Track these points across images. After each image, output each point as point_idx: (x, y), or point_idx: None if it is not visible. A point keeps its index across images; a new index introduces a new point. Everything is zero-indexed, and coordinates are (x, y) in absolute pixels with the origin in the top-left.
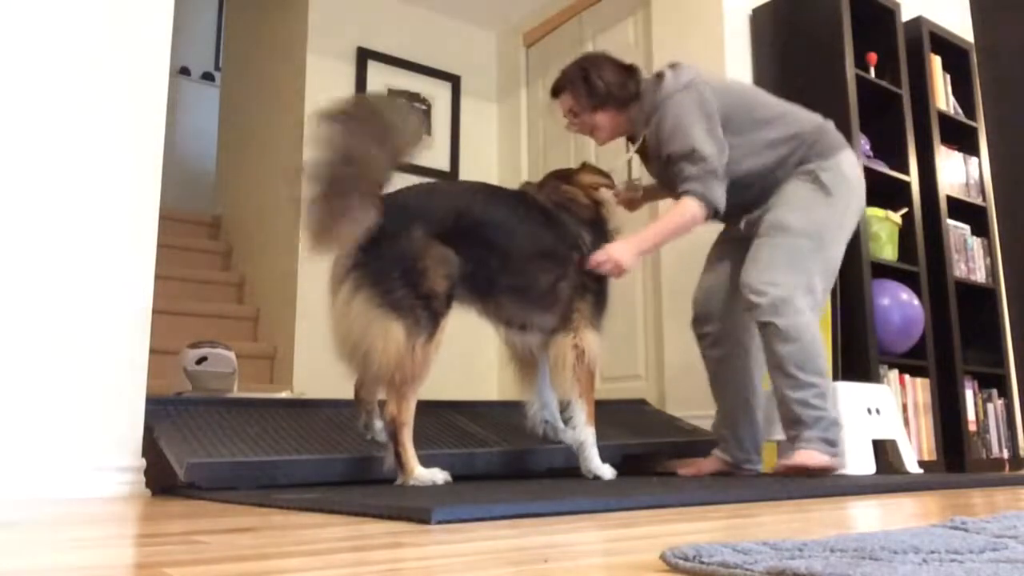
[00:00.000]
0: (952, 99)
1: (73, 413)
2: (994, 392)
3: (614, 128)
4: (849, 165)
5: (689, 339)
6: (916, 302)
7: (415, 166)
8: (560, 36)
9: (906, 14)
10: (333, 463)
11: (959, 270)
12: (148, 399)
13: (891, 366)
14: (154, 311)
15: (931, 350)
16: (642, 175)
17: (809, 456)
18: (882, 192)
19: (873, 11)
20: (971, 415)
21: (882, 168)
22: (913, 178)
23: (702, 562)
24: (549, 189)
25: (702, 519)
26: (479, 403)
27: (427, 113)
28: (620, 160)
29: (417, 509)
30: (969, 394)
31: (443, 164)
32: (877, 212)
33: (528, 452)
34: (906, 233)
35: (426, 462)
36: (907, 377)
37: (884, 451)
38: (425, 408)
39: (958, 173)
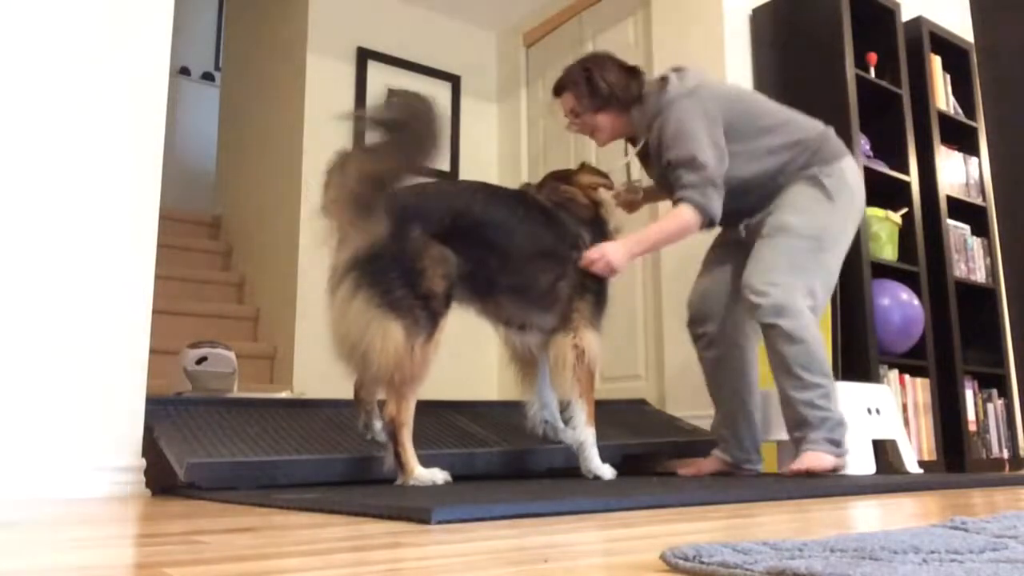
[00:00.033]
0: (952, 99)
1: (73, 413)
2: (994, 392)
3: (615, 130)
4: (851, 172)
5: (689, 339)
6: (916, 302)
7: None
8: (560, 36)
9: (906, 14)
10: (333, 463)
11: (959, 270)
12: (148, 399)
13: (891, 366)
14: (154, 311)
15: (931, 350)
16: (642, 177)
17: (816, 458)
18: (882, 192)
19: (873, 11)
20: (971, 415)
21: (882, 168)
22: (913, 178)
23: (702, 562)
24: (548, 190)
25: (702, 519)
26: (479, 403)
27: None
28: (619, 162)
29: (417, 509)
30: (969, 394)
31: (443, 164)
32: (877, 212)
33: (528, 452)
34: (906, 233)
35: (426, 462)
36: (907, 377)
37: (884, 451)
38: (425, 408)
39: (958, 173)
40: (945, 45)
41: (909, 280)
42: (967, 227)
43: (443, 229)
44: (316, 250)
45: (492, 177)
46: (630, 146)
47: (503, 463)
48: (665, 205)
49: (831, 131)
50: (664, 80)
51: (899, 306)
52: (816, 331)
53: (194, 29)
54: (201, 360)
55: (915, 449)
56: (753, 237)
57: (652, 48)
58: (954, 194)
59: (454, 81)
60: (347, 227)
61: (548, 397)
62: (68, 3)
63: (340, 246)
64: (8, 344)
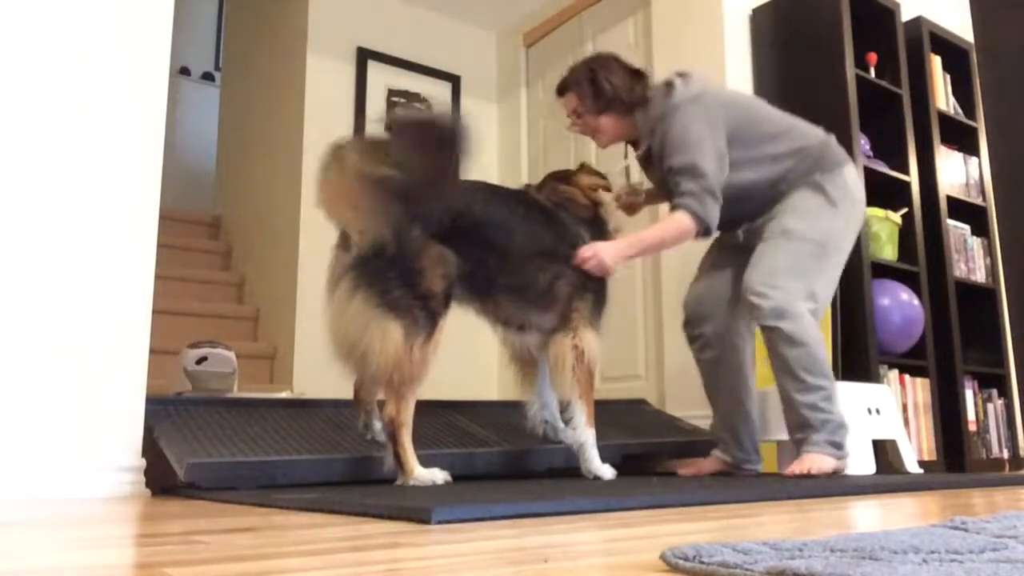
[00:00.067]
0: (952, 99)
1: (73, 413)
2: (994, 392)
3: (617, 132)
4: (852, 179)
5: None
6: (916, 302)
7: None
8: (560, 36)
9: (906, 14)
10: (333, 463)
11: (959, 270)
12: (148, 399)
13: (891, 366)
14: (154, 311)
15: (931, 350)
16: (642, 180)
17: (817, 460)
18: (882, 192)
19: (873, 11)
20: (971, 415)
21: (882, 168)
22: (913, 178)
23: (702, 562)
24: (548, 190)
25: (702, 519)
26: (479, 403)
27: None
28: (618, 166)
29: (417, 509)
30: (969, 394)
31: None
32: (877, 212)
33: (528, 452)
34: (906, 233)
35: (426, 462)
36: (907, 377)
37: (884, 451)
38: (425, 408)
39: (958, 173)
40: (945, 45)
41: (909, 280)
42: (967, 227)
43: (442, 229)
44: (316, 250)
45: (492, 177)
46: (631, 149)
47: (503, 463)
48: (665, 208)
49: (832, 139)
50: (669, 85)
51: (899, 306)
52: (817, 333)
53: (194, 29)
54: (201, 360)
55: (915, 449)
56: (752, 241)
57: (652, 48)
58: (954, 194)
59: (454, 81)
60: (346, 225)
61: (548, 397)
62: (68, 3)
63: (340, 246)
64: (8, 344)
